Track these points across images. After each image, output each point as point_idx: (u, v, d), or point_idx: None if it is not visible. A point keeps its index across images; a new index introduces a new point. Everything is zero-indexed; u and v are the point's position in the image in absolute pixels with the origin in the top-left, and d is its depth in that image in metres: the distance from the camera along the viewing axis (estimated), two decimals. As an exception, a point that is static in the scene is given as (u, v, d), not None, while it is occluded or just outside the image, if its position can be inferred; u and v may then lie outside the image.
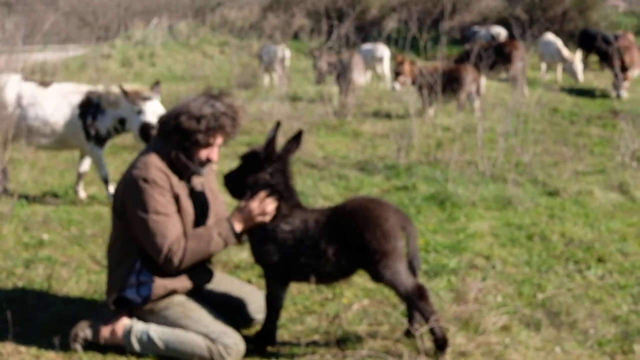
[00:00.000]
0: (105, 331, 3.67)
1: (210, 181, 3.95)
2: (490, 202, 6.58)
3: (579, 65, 14.68)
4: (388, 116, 11.27)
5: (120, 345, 3.66)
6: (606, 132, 10.26)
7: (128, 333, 3.64)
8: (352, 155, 8.91)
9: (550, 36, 15.59)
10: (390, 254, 3.38)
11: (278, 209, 3.59)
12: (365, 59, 13.82)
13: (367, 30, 22.46)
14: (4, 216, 5.83)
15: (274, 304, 3.69)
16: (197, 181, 3.80)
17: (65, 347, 3.66)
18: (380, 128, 10.47)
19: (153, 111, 5.94)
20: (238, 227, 3.58)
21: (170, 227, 3.51)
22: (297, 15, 25.93)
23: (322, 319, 4.14)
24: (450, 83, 10.72)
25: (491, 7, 25.90)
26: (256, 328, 3.91)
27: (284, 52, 15.03)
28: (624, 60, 13.00)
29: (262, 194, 3.54)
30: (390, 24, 22.66)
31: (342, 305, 4.30)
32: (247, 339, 3.70)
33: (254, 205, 3.55)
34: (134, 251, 3.61)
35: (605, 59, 14.33)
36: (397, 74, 11.22)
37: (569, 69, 14.73)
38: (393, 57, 12.38)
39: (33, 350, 3.68)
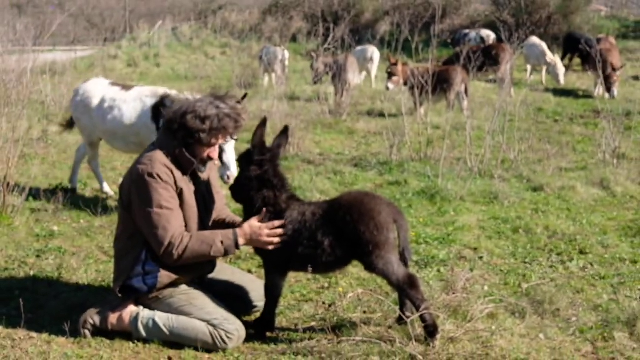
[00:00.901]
0: (112, 318, 3.68)
1: (211, 176, 3.95)
2: (478, 197, 6.60)
3: (561, 69, 14.70)
4: (381, 115, 11.24)
5: (127, 331, 3.67)
6: (588, 131, 10.27)
7: (135, 320, 3.65)
8: (347, 152, 8.92)
9: (535, 39, 15.57)
10: (383, 245, 3.40)
11: (275, 201, 3.60)
12: (358, 60, 13.85)
13: (361, 33, 22.42)
14: (16, 209, 5.82)
15: (272, 293, 3.70)
16: (199, 176, 3.80)
17: (75, 333, 3.67)
18: (374, 126, 10.47)
19: None
20: (242, 241, 3.55)
21: (172, 220, 3.51)
22: (295, 18, 25.90)
23: (319, 306, 4.15)
24: (441, 83, 10.72)
25: (479, 12, 25.91)
26: (256, 315, 3.92)
27: (284, 53, 15.00)
28: (612, 62, 12.96)
29: (276, 222, 3.53)
30: (384, 27, 22.65)
31: (338, 293, 4.31)
32: (247, 325, 3.72)
33: (265, 231, 3.52)
34: (140, 242, 3.61)
35: (588, 62, 14.32)
36: (390, 74, 11.22)
37: (552, 72, 14.74)
38: (387, 59, 12.37)
39: (44, 336, 3.68)
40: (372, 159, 8.28)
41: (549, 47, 15.49)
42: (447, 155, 7.83)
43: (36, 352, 3.50)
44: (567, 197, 6.65)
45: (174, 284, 3.67)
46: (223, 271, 4.01)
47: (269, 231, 3.52)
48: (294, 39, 23.26)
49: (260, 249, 3.64)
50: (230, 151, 5.33)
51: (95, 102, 6.18)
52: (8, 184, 5.80)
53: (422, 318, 3.41)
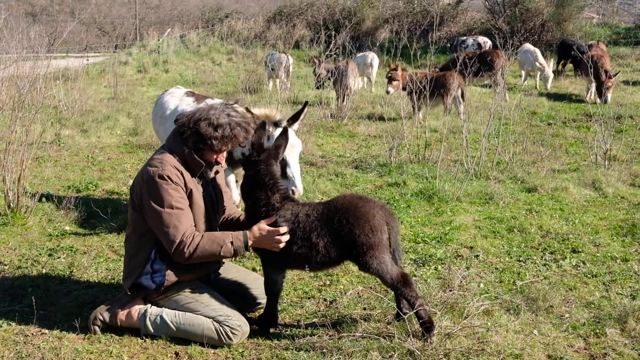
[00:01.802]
0: (121, 314, 3.67)
1: (219, 177, 3.95)
2: (474, 198, 6.58)
3: (549, 74, 14.70)
4: (381, 119, 11.24)
5: (135, 328, 3.67)
6: (580, 134, 10.26)
7: (143, 316, 3.65)
8: (348, 154, 8.91)
9: (529, 46, 15.56)
10: (377, 246, 3.39)
11: (267, 200, 3.59)
12: (358, 66, 13.86)
13: (362, 40, 22.42)
14: (29, 209, 5.82)
15: (272, 288, 3.70)
16: (207, 178, 3.80)
17: (86, 329, 3.66)
18: (374, 129, 10.47)
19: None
20: (251, 242, 3.56)
21: (183, 220, 3.50)
22: (298, 26, 25.94)
23: (320, 303, 4.14)
24: (438, 88, 10.72)
25: (475, 19, 25.92)
26: (260, 311, 3.91)
27: (288, 59, 15.00)
28: (605, 68, 12.89)
29: (284, 228, 3.51)
30: (383, 35, 22.66)
31: (339, 291, 4.30)
32: (251, 321, 3.71)
33: (274, 236, 3.50)
34: (149, 242, 3.60)
35: (580, 67, 14.29)
36: (390, 78, 11.22)
37: (544, 77, 14.72)
38: (386, 65, 12.37)
39: (56, 332, 3.68)
40: (372, 161, 8.27)
41: (543, 54, 15.47)
42: (444, 158, 7.83)
43: (48, 347, 3.49)
44: (560, 197, 6.63)
45: (180, 282, 3.66)
46: (228, 269, 4.01)
47: (277, 236, 3.51)
48: (297, 45, 23.27)
49: (258, 248, 3.63)
50: (295, 165, 4.72)
51: (169, 113, 5.78)
52: (22, 186, 5.80)
53: (418, 315, 3.40)
